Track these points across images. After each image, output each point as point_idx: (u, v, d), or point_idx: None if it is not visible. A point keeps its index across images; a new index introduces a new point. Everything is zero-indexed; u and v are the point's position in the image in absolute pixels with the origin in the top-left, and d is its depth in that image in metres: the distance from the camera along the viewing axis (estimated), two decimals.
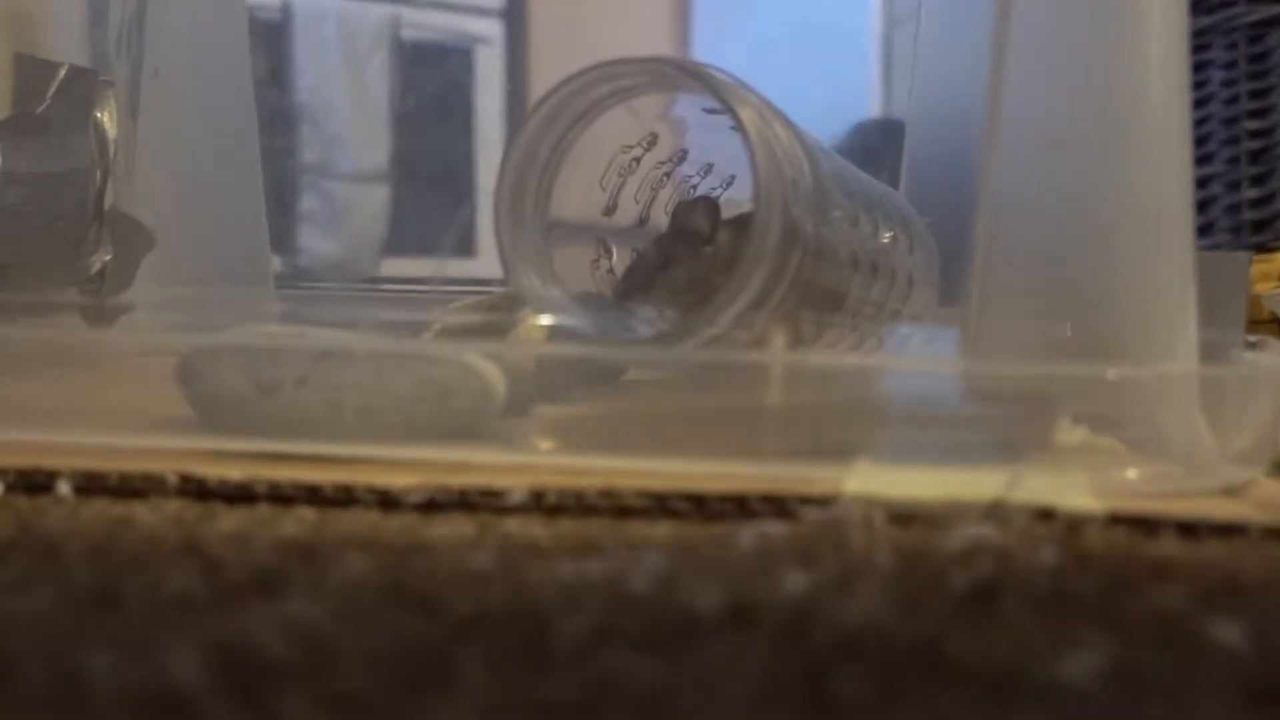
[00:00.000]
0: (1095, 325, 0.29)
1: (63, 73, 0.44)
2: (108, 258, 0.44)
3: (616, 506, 0.26)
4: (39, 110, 0.44)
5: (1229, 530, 0.25)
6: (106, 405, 0.34)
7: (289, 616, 0.19)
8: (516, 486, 0.26)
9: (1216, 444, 0.28)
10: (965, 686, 0.16)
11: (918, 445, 0.30)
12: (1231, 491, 0.28)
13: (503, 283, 0.35)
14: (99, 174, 0.45)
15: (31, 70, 0.45)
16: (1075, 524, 0.25)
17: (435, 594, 0.20)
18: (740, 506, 0.26)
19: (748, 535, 0.24)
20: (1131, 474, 0.28)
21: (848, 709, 0.16)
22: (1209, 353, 0.29)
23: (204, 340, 0.32)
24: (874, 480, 0.26)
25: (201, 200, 0.51)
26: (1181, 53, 0.29)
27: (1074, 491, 0.26)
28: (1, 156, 0.42)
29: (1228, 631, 0.19)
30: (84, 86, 0.45)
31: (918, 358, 0.42)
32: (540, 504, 0.26)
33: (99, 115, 0.45)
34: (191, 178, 0.50)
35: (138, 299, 0.44)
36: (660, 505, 0.26)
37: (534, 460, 0.29)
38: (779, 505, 0.26)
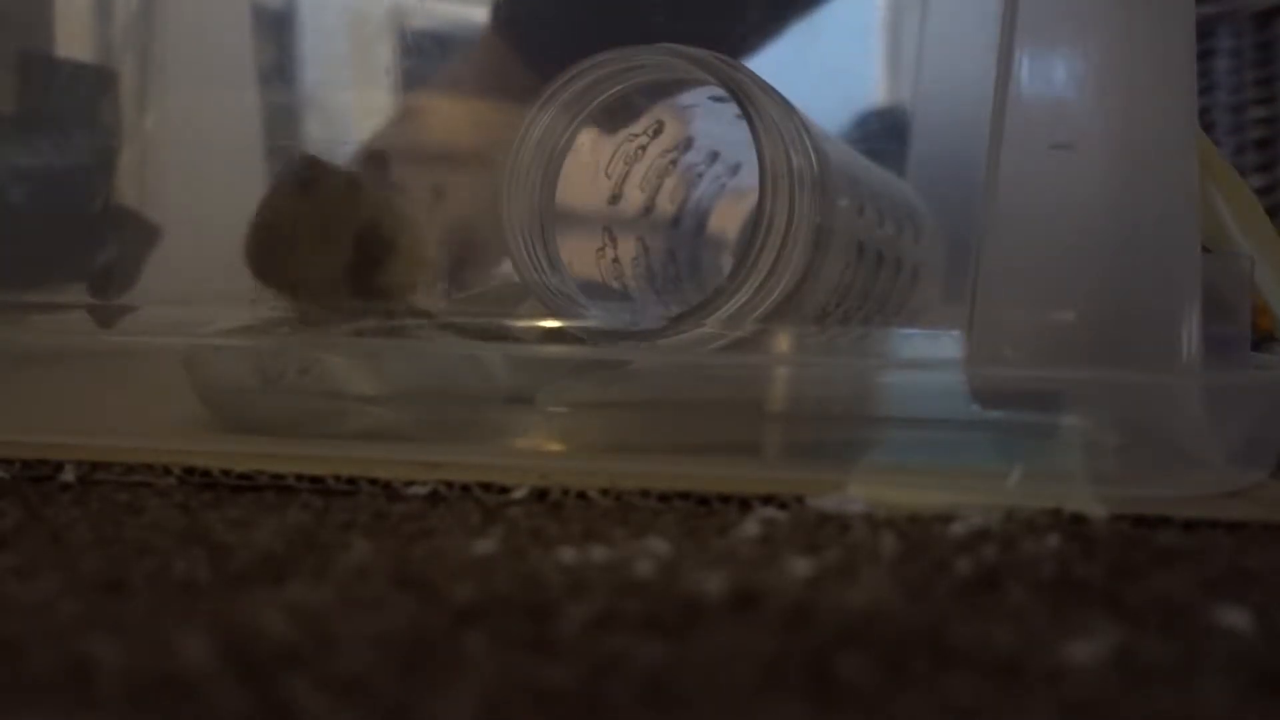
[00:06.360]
0: (1099, 326, 0.29)
1: (67, 70, 0.44)
2: (113, 254, 0.44)
3: (619, 506, 0.26)
4: (44, 107, 0.44)
5: (1233, 528, 0.25)
6: (112, 400, 0.34)
7: (294, 601, 0.19)
8: (520, 484, 0.27)
9: (1221, 446, 0.28)
10: (969, 672, 0.16)
11: (919, 447, 0.30)
12: (1236, 494, 0.28)
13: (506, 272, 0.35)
14: (104, 171, 0.45)
15: (37, 67, 0.45)
16: (1079, 515, 0.25)
17: (439, 579, 0.20)
18: (742, 507, 0.26)
19: (751, 522, 0.24)
20: (1135, 477, 0.28)
21: (851, 694, 0.16)
22: (1213, 353, 0.29)
23: (209, 334, 0.32)
24: (875, 484, 0.26)
25: (206, 195, 0.51)
26: (1188, 47, 0.29)
27: (1077, 495, 0.26)
28: (7, 154, 0.42)
29: (1233, 616, 0.19)
30: (89, 83, 0.45)
31: (920, 358, 0.42)
32: (544, 501, 0.26)
33: (104, 112, 0.45)
34: (196, 173, 0.50)
35: (143, 295, 0.44)
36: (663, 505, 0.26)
37: (537, 464, 0.29)
38: (781, 505, 0.26)
